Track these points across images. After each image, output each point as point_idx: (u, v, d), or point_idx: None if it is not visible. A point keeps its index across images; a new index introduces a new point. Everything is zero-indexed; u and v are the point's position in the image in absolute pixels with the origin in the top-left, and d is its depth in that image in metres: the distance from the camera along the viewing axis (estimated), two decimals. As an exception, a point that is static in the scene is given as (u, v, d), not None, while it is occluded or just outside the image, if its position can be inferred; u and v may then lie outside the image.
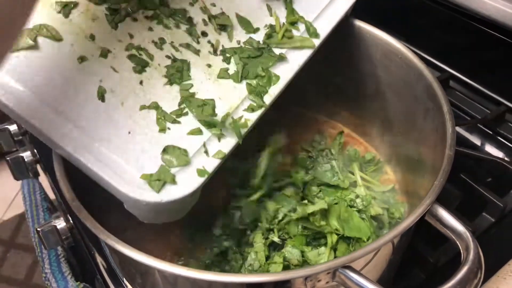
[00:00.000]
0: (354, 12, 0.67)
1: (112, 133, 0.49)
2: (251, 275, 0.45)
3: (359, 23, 0.66)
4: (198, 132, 0.52)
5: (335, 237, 0.56)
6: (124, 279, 0.60)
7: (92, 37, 0.53)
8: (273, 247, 0.59)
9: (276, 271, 0.55)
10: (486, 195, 0.68)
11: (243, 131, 0.53)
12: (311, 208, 0.56)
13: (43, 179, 0.84)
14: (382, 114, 0.69)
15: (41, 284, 0.76)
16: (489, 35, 0.82)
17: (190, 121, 0.52)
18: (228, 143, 0.53)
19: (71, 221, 0.63)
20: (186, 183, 0.49)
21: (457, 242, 0.44)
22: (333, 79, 0.73)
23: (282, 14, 0.61)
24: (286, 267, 0.56)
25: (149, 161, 0.49)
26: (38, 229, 0.64)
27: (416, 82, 0.60)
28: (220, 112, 0.54)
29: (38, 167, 0.84)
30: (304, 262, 0.57)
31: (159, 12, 0.56)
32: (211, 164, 0.51)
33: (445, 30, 0.92)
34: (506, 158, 0.77)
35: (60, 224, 0.63)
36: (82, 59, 0.51)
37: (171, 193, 0.48)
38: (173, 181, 0.49)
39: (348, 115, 0.77)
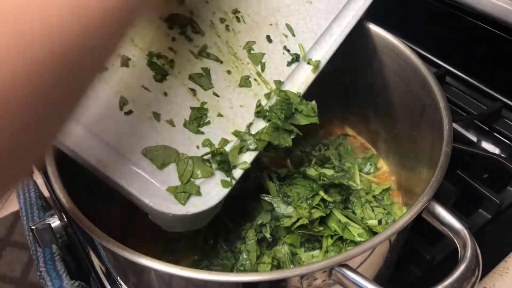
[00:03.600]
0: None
1: (136, 146, 0.49)
2: (246, 274, 0.45)
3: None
4: (222, 142, 0.52)
5: (330, 241, 0.56)
6: (118, 278, 0.60)
7: None
8: (266, 244, 0.59)
9: (264, 271, 0.54)
10: (482, 192, 0.68)
11: (264, 142, 0.53)
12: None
13: (37, 176, 0.83)
14: (378, 110, 0.69)
15: (37, 282, 0.76)
16: (485, 30, 0.82)
17: (213, 131, 0.52)
18: (251, 154, 0.53)
19: (66, 220, 0.62)
20: (211, 194, 0.49)
21: (455, 240, 0.43)
22: (328, 75, 0.73)
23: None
24: (276, 267, 0.55)
25: (173, 173, 0.49)
26: (32, 227, 0.63)
27: (412, 78, 0.59)
28: (243, 123, 0.53)
29: (32, 164, 0.83)
30: (295, 261, 0.57)
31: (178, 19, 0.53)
32: (234, 175, 0.51)
33: (441, 25, 0.91)
34: (502, 154, 0.77)
35: (55, 222, 0.63)
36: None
37: (197, 205, 0.48)
38: (198, 193, 0.49)
39: (344, 111, 0.76)
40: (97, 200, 0.52)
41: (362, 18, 0.63)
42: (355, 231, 0.56)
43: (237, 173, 0.51)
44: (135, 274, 0.50)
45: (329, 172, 0.62)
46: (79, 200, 0.47)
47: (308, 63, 0.59)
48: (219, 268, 0.57)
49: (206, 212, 0.49)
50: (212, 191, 0.50)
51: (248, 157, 0.53)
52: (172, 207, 0.47)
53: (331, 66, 0.71)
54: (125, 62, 0.50)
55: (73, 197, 0.47)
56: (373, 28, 0.64)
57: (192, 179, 0.49)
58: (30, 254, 0.80)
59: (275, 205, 0.59)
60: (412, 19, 0.95)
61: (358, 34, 0.65)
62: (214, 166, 0.51)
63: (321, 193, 0.58)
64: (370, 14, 0.66)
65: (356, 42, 0.66)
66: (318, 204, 0.58)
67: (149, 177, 0.48)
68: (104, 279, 0.65)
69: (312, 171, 0.61)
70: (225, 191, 0.50)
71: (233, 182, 0.51)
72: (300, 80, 0.58)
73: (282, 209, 0.58)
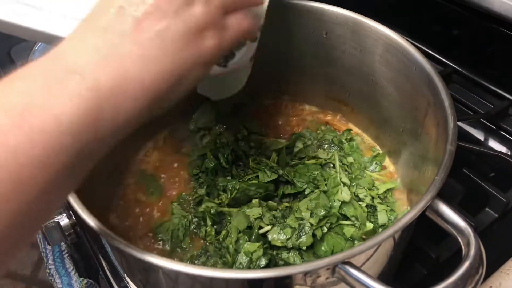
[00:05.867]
0: (355, 6, 0.67)
1: None
2: (251, 271, 0.45)
3: (361, 18, 0.65)
4: None
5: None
6: (126, 275, 0.60)
7: None
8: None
9: (253, 251, 0.55)
10: (489, 190, 0.68)
11: None
12: (308, 242, 0.57)
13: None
14: (384, 108, 0.69)
15: (47, 280, 0.77)
16: (492, 29, 0.81)
17: None
18: None
19: (74, 218, 0.63)
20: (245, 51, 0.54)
21: (459, 238, 0.43)
22: (335, 74, 0.73)
23: None
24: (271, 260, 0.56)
25: None
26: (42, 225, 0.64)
27: (417, 77, 0.59)
28: None
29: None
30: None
31: None
32: None
33: (448, 24, 0.91)
34: (509, 153, 0.77)
35: (63, 220, 0.63)
36: None
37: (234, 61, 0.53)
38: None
39: (350, 109, 0.76)
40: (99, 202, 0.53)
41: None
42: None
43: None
44: (141, 271, 0.50)
45: (319, 212, 0.61)
46: (87, 198, 0.48)
47: None
48: (219, 266, 0.57)
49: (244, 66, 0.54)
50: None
51: None
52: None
53: (336, 66, 0.72)
54: None
55: (79, 196, 0.48)
56: (378, 27, 0.64)
57: None
58: (40, 252, 0.82)
59: (268, 236, 0.59)
60: (418, 18, 0.95)
61: (363, 33, 0.65)
62: None
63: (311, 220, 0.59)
64: (375, 13, 0.66)
65: (361, 41, 0.66)
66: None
67: None
68: (111, 277, 0.65)
69: (303, 205, 0.61)
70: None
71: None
72: None
73: (275, 237, 0.59)
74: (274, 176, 0.64)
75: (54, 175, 0.33)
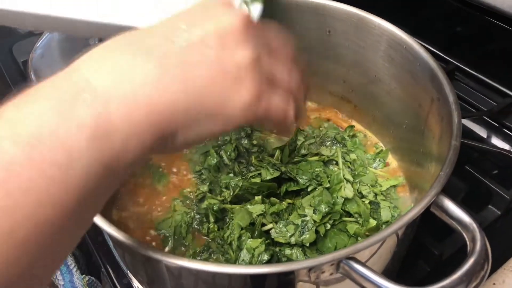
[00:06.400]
0: (358, 3, 0.67)
1: None
2: (255, 267, 0.45)
3: (364, 14, 0.65)
4: None
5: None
6: (128, 272, 0.60)
7: None
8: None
9: (256, 247, 0.55)
10: (492, 188, 0.68)
11: None
12: (311, 238, 0.57)
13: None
14: (387, 105, 0.69)
15: (47, 277, 0.76)
16: (495, 26, 0.81)
17: None
18: None
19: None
20: None
21: (463, 234, 0.43)
22: (337, 71, 0.73)
23: None
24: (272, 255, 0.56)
25: None
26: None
27: (421, 73, 0.59)
28: None
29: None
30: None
31: None
32: None
33: (451, 21, 0.91)
34: (512, 150, 0.76)
35: (65, 217, 0.63)
36: None
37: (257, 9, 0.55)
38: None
39: (353, 106, 0.76)
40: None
41: None
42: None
43: None
44: (145, 267, 0.50)
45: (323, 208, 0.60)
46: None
47: None
48: (222, 262, 0.57)
49: None
50: None
51: None
52: None
53: (339, 62, 0.72)
54: None
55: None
56: (382, 23, 0.64)
57: None
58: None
59: (271, 232, 0.58)
60: (421, 15, 0.95)
61: (366, 29, 0.65)
62: None
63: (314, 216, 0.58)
64: (378, 10, 0.66)
65: (365, 37, 0.66)
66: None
67: None
68: (113, 273, 0.65)
69: (306, 202, 0.61)
70: None
71: None
72: None
73: (278, 234, 0.58)
74: (276, 174, 0.64)
75: (71, 213, 0.30)
